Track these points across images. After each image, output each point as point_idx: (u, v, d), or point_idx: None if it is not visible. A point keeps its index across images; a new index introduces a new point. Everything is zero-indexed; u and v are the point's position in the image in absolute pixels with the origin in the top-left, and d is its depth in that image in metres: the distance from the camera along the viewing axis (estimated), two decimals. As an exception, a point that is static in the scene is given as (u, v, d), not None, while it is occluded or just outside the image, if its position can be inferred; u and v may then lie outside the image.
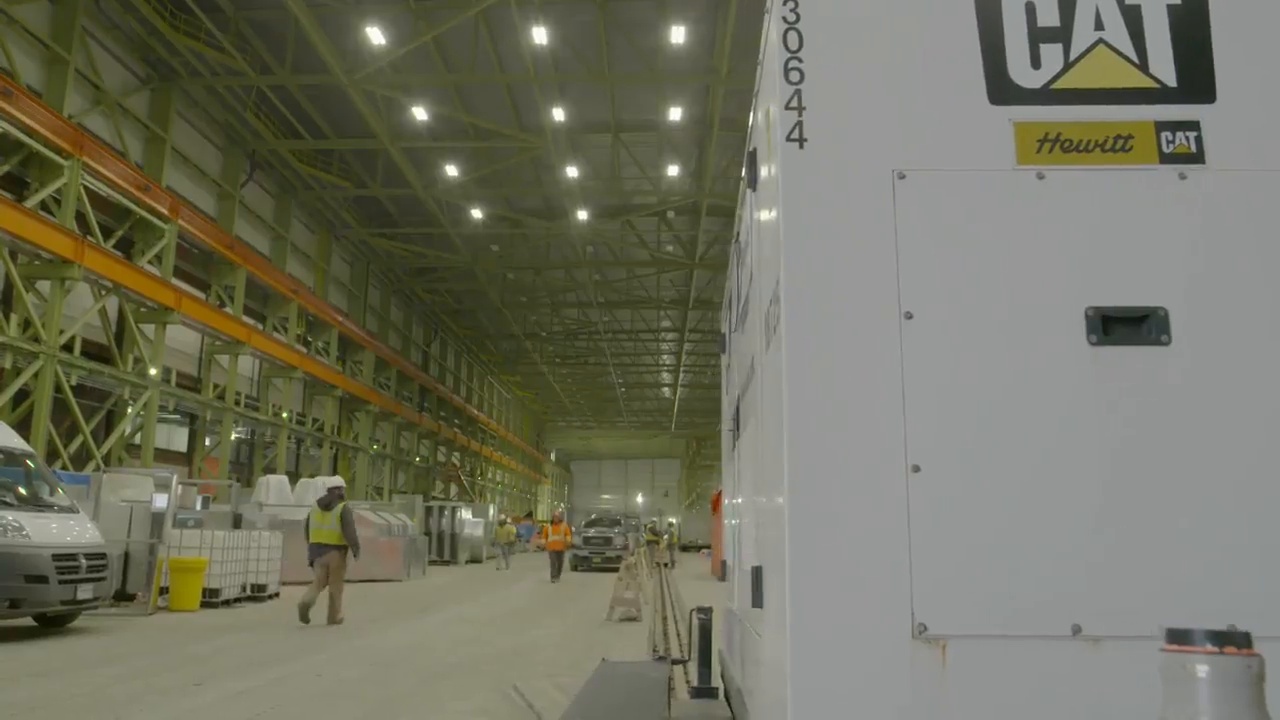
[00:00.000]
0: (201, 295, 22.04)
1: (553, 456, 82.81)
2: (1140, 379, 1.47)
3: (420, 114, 22.14)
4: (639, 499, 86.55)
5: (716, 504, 22.08)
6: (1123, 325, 1.48)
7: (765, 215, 1.80)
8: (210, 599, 11.65)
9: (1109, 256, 1.51)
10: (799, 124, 1.55)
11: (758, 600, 1.79)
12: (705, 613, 3.88)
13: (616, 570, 24.64)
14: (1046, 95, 1.58)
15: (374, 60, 19.58)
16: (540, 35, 19.01)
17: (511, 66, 20.72)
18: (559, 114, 22.49)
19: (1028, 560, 1.42)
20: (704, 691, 3.71)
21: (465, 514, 28.68)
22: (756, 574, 1.80)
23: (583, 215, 28.22)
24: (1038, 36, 1.59)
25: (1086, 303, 1.49)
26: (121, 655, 7.90)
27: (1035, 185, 1.54)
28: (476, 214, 28.50)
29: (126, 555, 10.98)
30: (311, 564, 10.63)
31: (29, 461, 9.74)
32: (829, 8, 1.59)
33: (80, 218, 16.91)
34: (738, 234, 2.63)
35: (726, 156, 25.74)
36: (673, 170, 26.29)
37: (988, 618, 1.40)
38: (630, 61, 20.45)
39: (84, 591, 8.92)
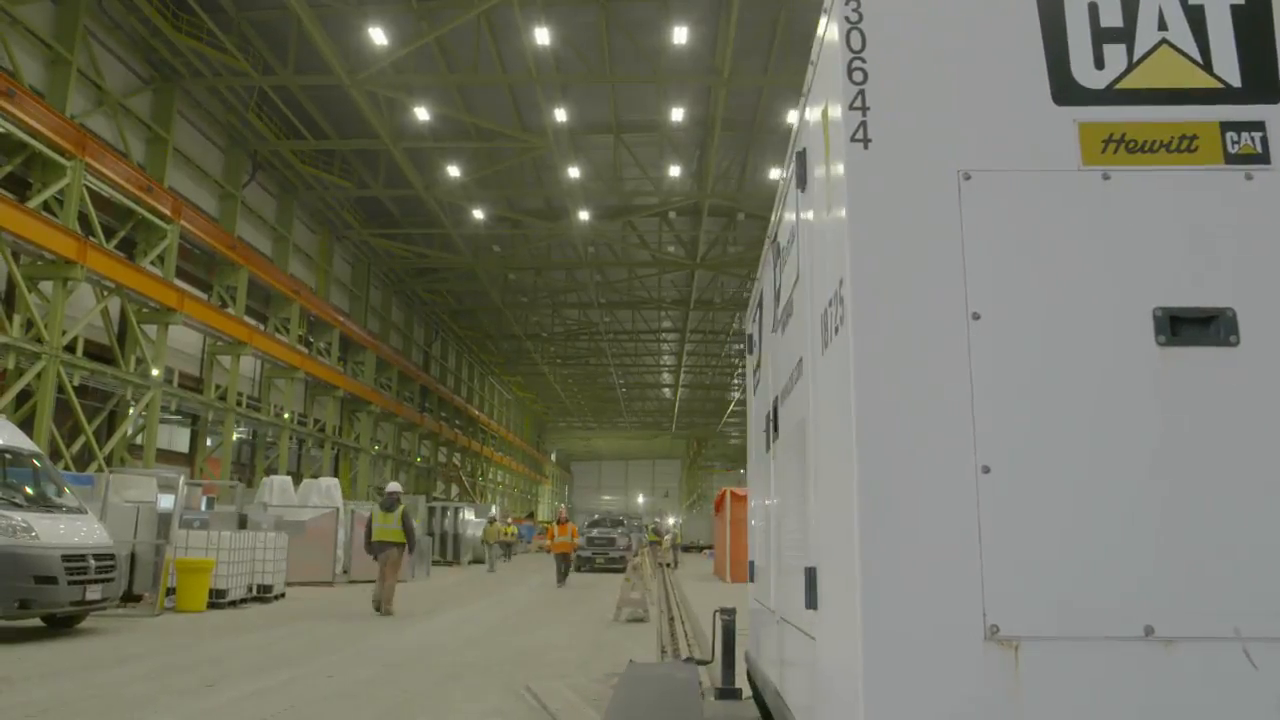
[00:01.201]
0: (203, 296, 22.03)
1: (553, 457, 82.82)
2: (1208, 379, 1.47)
3: (422, 114, 22.14)
4: (639, 499, 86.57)
5: (719, 505, 22.06)
6: (1190, 326, 1.48)
7: (820, 215, 1.80)
8: (217, 600, 11.63)
9: (1176, 257, 1.51)
10: (863, 124, 1.55)
11: (811, 602, 1.78)
12: (729, 614, 3.87)
13: (619, 571, 24.71)
14: (1110, 95, 1.58)
15: (376, 60, 19.56)
16: (542, 35, 19.01)
17: (513, 67, 20.71)
18: (561, 114, 22.49)
19: (1098, 561, 1.42)
20: (728, 693, 3.70)
21: (468, 514, 28.67)
22: (810, 575, 1.80)
23: (584, 216, 28.22)
24: (1101, 36, 1.59)
25: (1154, 303, 1.49)
26: (132, 656, 7.88)
27: (1101, 186, 1.54)
28: (478, 214, 28.49)
29: (133, 556, 10.96)
30: (375, 558, 12.02)
31: (35, 461, 9.72)
32: (892, 8, 1.59)
33: (83, 218, 16.90)
34: (774, 234, 2.62)
35: (728, 157, 25.76)
36: (674, 171, 26.30)
37: (1059, 619, 1.40)
38: (632, 62, 20.45)
39: (93, 592, 8.90)
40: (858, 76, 1.56)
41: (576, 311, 40.62)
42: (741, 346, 45.83)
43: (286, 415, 26.28)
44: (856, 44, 1.57)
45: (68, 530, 9.02)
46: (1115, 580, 1.41)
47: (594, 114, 23.64)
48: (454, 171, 25.72)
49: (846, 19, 1.58)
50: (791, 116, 22.26)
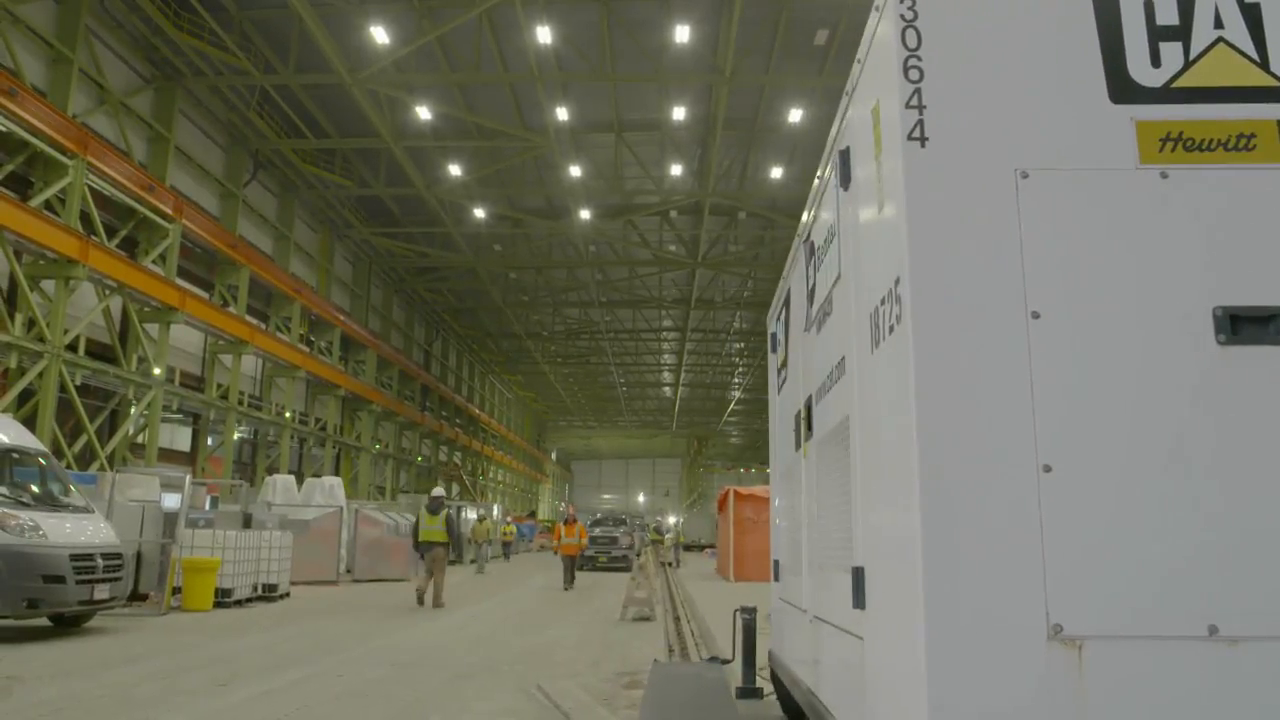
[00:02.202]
0: (205, 295, 21.99)
1: (554, 456, 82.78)
2: (1269, 378, 1.47)
3: (423, 113, 22.11)
4: (640, 498, 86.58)
5: (722, 503, 22.06)
6: (1251, 324, 1.48)
7: (868, 214, 1.79)
8: (223, 599, 11.62)
9: (1236, 256, 1.51)
10: (920, 123, 1.54)
11: (859, 601, 1.78)
12: (749, 613, 3.87)
13: (622, 570, 24.70)
14: (1167, 94, 1.58)
15: (377, 59, 19.53)
16: (544, 34, 18.99)
17: (515, 65, 20.69)
18: (562, 113, 22.47)
19: (1161, 560, 1.41)
20: (749, 692, 3.70)
21: (470, 513, 28.65)
22: (857, 575, 1.79)
23: (585, 214, 28.20)
24: (1157, 35, 1.59)
25: (1214, 302, 1.49)
26: (141, 655, 7.87)
27: (1159, 184, 1.54)
28: (479, 213, 28.46)
29: (139, 555, 10.95)
30: (422, 557, 13.31)
31: (42, 461, 9.70)
32: (947, 5, 1.59)
33: (84, 217, 16.87)
34: (807, 234, 2.61)
35: (729, 156, 25.74)
36: (675, 169, 26.28)
37: (1122, 618, 1.39)
38: (634, 60, 20.43)
39: (101, 592, 8.89)
40: (914, 74, 1.56)
41: (577, 310, 40.60)
42: (742, 345, 45.91)
43: (288, 414, 26.25)
44: (912, 42, 1.56)
45: (75, 529, 9.01)
46: (1178, 579, 1.41)
47: (595, 113, 23.62)
48: (455, 170, 25.69)
49: (901, 17, 1.57)
50: (793, 115, 22.32)
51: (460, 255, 31.92)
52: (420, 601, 12.71)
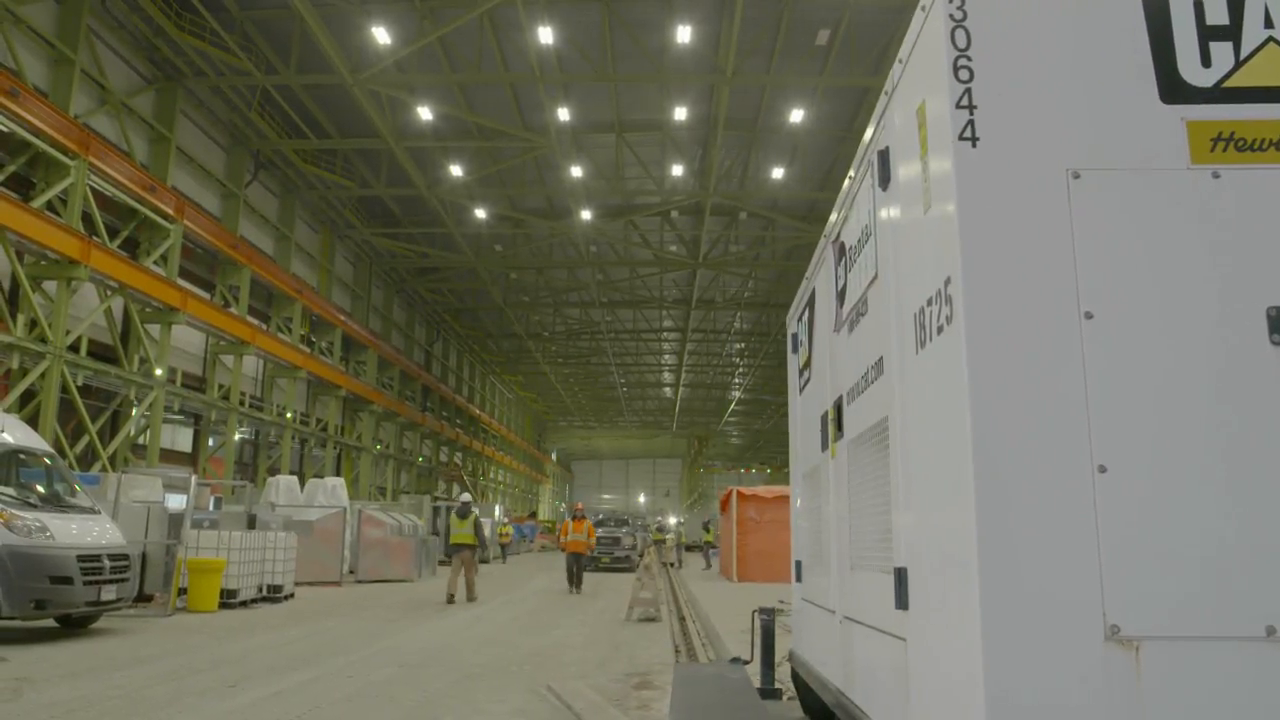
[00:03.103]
0: (206, 295, 21.97)
1: (554, 456, 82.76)
2: None
3: (425, 113, 22.10)
4: (640, 499, 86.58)
5: (724, 504, 22.05)
6: (1305, 324, 1.48)
7: (912, 214, 1.79)
8: (228, 600, 11.61)
9: None
10: (970, 123, 1.54)
11: (901, 602, 1.78)
12: (767, 614, 3.87)
13: (625, 570, 24.68)
14: (1218, 94, 1.58)
15: (379, 60, 19.52)
16: (545, 34, 18.99)
17: (516, 66, 20.68)
18: (563, 113, 22.47)
19: (1218, 560, 1.41)
20: (769, 693, 3.69)
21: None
22: (900, 576, 1.79)
23: (586, 215, 28.21)
24: (1207, 34, 1.59)
25: (1268, 302, 1.49)
26: (150, 657, 7.86)
27: (1211, 184, 1.54)
28: (480, 214, 28.46)
29: (144, 556, 10.93)
30: (450, 558, 14.45)
31: (48, 461, 9.68)
32: (996, 5, 1.58)
33: (86, 218, 16.85)
34: (837, 234, 2.61)
35: (730, 156, 25.75)
36: (676, 170, 26.29)
37: (1179, 619, 1.39)
38: (635, 61, 20.43)
39: (108, 593, 8.88)
40: (964, 74, 1.56)
41: (578, 311, 40.60)
42: (742, 345, 45.92)
43: (289, 415, 26.23)
44: (961, 42, 1.56)
45: (81, 530, 9.00)
46: (1235, 580, 1.41)
47: (596, 113, 23.62)
48: (456, 171, 25.68)
49: (951, 17, 1.57)
50: (795, 115, 22.32)
51: (461, 255, 31.91)
52: (450, 600, 13.49)
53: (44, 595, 8.19)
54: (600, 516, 28.89)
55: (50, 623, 9.32)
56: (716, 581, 19.76)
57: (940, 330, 1.59)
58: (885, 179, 1.99)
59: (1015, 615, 1.38)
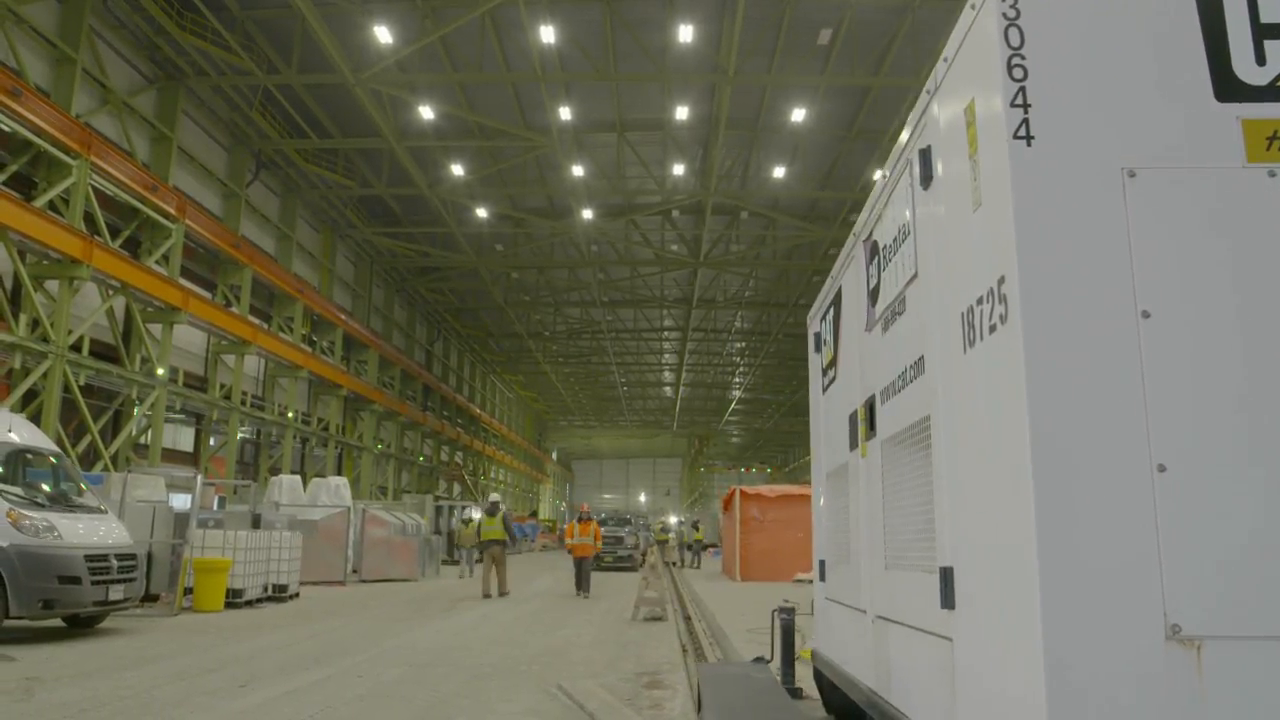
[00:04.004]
0: (208, 295, 21.95)
1: (554, 455, 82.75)
2: None
3: (426, 113, 22.07)
4: (641, 498, 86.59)
5: (727, 503, 22.06)
6: (1362, 322, 1.47)
7: (958, 213, 1.78)
8: (233, 599, 11.60)
9: None
10: (1025, 121, 1.54)
11: (948, 602, 1.78)
12: (788, 614, 3.87)
13: (628, 569, 24.67)
14: (1274, 92, 1.57)
15: (380, 59, 19.50)
16: (547, 34, 18.97)
17: (518, 65, 20.67)
18: (565, 113, 22.45)
19: (1278, 558, 1.41)
20: (790, 693, 3.69)
21: (475, 513, 28.59)
22: (946, 575, 1.79)
23: (587, 214, 28.20)
24: (1262, 32, 1.58)
25: None
26: (159, 656, 7.85)
27: (1266, 183, 1.53)
28: (481, 213, 28.45)
29: (149, 556, 10.92)
30: (481, 556, 15.46)
31: (54, 461, 9.67)
32: (1050, 3, 1.58)
33: (88, 217, 16.82)
34: (869, 233, 2.61)
35: (732, 155, 25.75)
36: (677, 169, 26.27)
37: (1241, 618, 1.39)
38: (637, 60, 20.41)
39: (115, 592, 8.87)
40: (1017, 73, 1.55)
41: (579, 310, 40.59)
42: (743, 345, 45.91)
43: (290, 414, 26.21)
44: (1015, 40, 1.56)
45: (88, 530, 8.99)
46: None
47: (598, 112, 23.61)
48: (457, 170, 25.67)
49: (1004, 15, 1.57)
50: (796, 115, 22.31)
51: (462, 255, 31.90)
52: (486, 594, 14.49)
53: (52, 595, 8.18)
54: (602, 516, 28.83)
55: (57, 622, 9.31)
56: (719, 580, 19.76)
57: (993, 329, 1.59)
58: (927, 178, 1.98)
59: (1075, 614, 1.38)
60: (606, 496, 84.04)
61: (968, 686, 1.70)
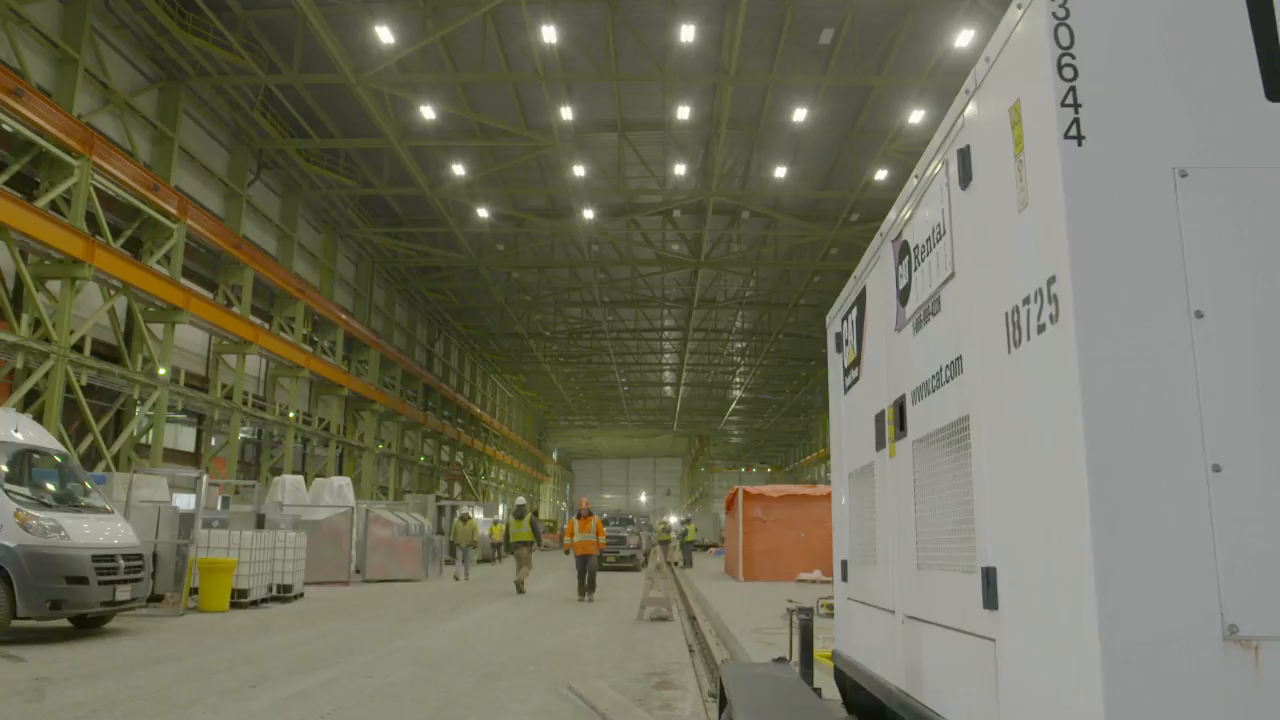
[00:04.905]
0: (209, 295, 21.92)
1: (554, 455, 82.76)
2: None
3: (428, 113, 22.06)
4: (641, 498, 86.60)
5: (730, 503, 22.06)
6: None
7: (1002, 213, 1.78)
8: (238, 600, 11.59)
9: None
10: (1076, 121, 1.54)
11: (990, 602, 1.78)
12: (806, 614, 3.87)
13: (630, 569, 24.68)
14: None
15: (382, 59, 19.49)
16: (549, 33, 18.96)
17: (519, 65, 20.67)
18: (566, 112, 22.44)
19: None
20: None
21: (477, 514, 28.59)
22: (988, 575, 1.79)
23: (588, 214, 28.19)
24: (1313, 31, 1.58)
25: None
26: (167, 657, 7.84)
27: None
28: (482, 213, 28.43)
29: (155, 556, 10.91)
30: (513, 554, 16.61)
31: (59, 459, 9.65)
32: (1100, 2, 1.58)
33: (90, 217, 16.79)
34: (898, 233, 2.61)
35: (733, 155, 25.75)
36: (679, 169, 26.27)
37: None
38: (638, 60, 20.41)
39: (122, 593, 8.86)
40: (1068, 73, 1.55)
41: (579, 310, 40.58)
42: (744, 345, 45.89)
43: (291, 414, 26.19)
44: (1065, 40, 1.56)
45: (95, 530, 8.98)
46: None
47: (599, 112, 23.61)
48: (459, 170, 25.66)
49: (1054, 15, 1.57)
50: (798, 114, 22.31)
51: (463, 255, 31.89)
52: (520, 590, 15.50)
53: (60, 595, 8.18)
54: (605, 516, 28.77)
55: (64, 622, 9.30)
56: (721, 580, 19.75)
57: (1041, 329, 1.58)
58: (966, 178, 1.98)
59: (1131, 615, 1.38)
60: (607, 496, 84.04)
61: (1012, 686, 1.70)
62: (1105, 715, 1.33)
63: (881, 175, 24.91)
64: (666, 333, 44.69)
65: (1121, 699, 1.34)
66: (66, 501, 9.13)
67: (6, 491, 8.31)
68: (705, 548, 38.58)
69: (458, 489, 41.25)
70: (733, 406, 62.79)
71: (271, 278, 24.19)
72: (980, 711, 1.86)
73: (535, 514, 27.92)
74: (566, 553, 15.90)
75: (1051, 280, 1.54)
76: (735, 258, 32.69)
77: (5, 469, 8.61)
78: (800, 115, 22.33)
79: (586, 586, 14.50)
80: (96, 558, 8.55)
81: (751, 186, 27.14)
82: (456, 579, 19.37)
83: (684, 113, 22.70)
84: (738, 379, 54.80)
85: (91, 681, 6.62)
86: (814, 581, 16.62)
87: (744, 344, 46.22)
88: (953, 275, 2.08)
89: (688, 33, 19.14)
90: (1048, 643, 1.55)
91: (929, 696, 2.24)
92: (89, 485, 9.83)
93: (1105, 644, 1.36)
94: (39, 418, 15.40)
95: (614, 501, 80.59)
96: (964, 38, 18.31)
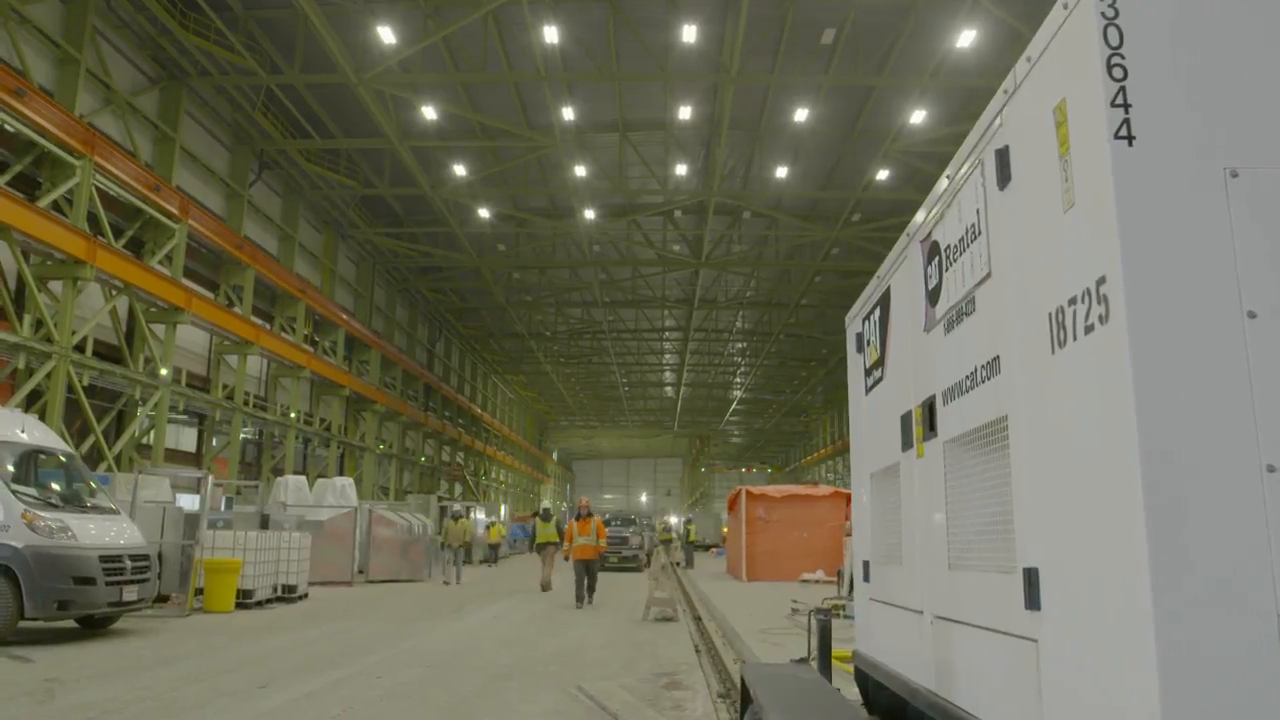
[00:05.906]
0: (210, 295, 21.90)
1: (555, 455, 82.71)
2: None
3: (429, 113, 22.04)
4: (642, 498, 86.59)
5: (732, 503, 22.06)
6: None
7: (1045, 213, 1.78)
8: (244, 600, 11.57)
9: None
10: (1126, 121, 1.53)
11: (1033, 603, 1.77)
12: (825, 614, 3.86)
13: (632, 570, 24.65)
14: None
15: (383, 59, 19.48)
16: (550, 34, 18.95)
17: (520, 65, 20.66)
18: (567, 113, 22.43)
19: None
20: (829, 692, 3.69)
21: (479, 514, 28.58)
22: (1030, 576, 1.79)
23: (589, 214, 28.18)
24: (1363, 29, 1.58)
25: None
26: (175, 657, 7.83)
27: None
28: (483, 213, 28.42)
29: (160, 556, 10.89)
30: (539, 554, 17.31)
31: (64, 459, 9.63)
32: (1149, 2, 1.58)
33: (91, 217, 16.77)
34: (927, 233, 2.60)
35: (734, 156, 25.74)
36: (680, 169, 26.26)
37: None
38: (639, 60, 20.40)
39: (129, 593, 8.85)
40: (1117, 73, 1.55)
41: (580, 310, 40.57)
42: (744, 345, 45.85)
43: (293, 414, 26.17)
44: (1114, 40, 1.56)
45: (101, 530, 8.96)
46: None
47: (600, 112, 23.60)
48: (460, 170, 25.64)
49: (1102, 15, 1.56)
50: (799, 115, 22.31)
51: (464, 255, 31.87)
52: (546, 588, 15.98)
53: (67, 596, 8.16)
54: (607, 516, 28.71)
55: (70, 623, 9.28)
56: (724, 580, 19.75)
57: (1089, 330, 1.58)
58: (1005, 178, 1.98)
59: (1187, 615, 1.37)
60: (607, 496, 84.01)
61: (1056, 687, 1.70)
62: (1162, 715, 1.33)
63: (883, 175, 24.93)
64: (667, 333, 44.68)
65: (1177, 698, 1.34)
66: (73, 502, 9.11)
67: (13, 492, 8.30)
68: (706, 548, 38.55)
69: (459, 489, 41.21)
70: (733, 407, 62.80)
71: (273, 278, 24.17)
72: (1020, 712, 1.86)
73: (537, 512, 27.91)
74: (566, 559, 14.25)
75: (1101, 280, 1.54)
76: (736, 258, 32.69)
77: (11, 469, 8.60)
78: (801, 115, 22.33)
79: (585, 590, 13.36)
80: (104, 558, 8.53)
81: (752, 186, 27.14)
82: (446, 584, 18.03)
83: (685, 113, 22.70)
84: (738, 379, 54.80)
85: (100, 682, 6.61)
86: (817, 581, 16.63)
87: (744, 344, 46.22)
88: (989, 275, 2.08)
89: (689, 33, 19.14)
90: (1096, 643, 1.55)
91: (961, 697, 2.23)
92: (94, 485, 9.81)
93: (1160, 646, 1.35)
94: (41, 418, 15.37)
95: (614, 502, 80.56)
96: (965, 38, 18.31)
